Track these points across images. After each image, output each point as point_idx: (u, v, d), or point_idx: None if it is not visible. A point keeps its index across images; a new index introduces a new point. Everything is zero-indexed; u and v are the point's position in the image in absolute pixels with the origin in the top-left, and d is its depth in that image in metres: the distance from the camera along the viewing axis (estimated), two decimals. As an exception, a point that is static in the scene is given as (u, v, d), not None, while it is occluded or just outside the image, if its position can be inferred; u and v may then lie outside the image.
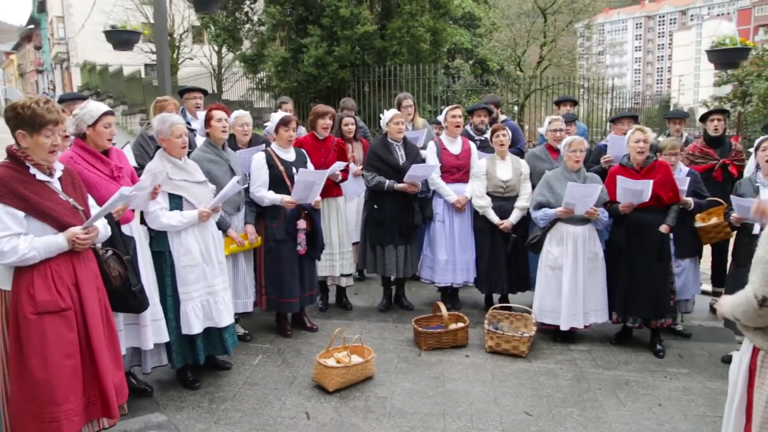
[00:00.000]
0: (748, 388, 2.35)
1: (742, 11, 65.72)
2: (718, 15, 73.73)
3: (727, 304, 2.33)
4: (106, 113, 3.57)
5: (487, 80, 18.93)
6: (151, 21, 21.82)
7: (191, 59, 23.80)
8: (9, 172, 2.90)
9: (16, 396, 2.94)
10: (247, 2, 17.09)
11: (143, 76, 26.88)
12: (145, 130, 5.02)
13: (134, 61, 23.08)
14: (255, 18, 17.28)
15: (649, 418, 3.84)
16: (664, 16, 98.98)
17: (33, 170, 2.95)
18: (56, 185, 3.05)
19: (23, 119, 2.90)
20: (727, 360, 4.63)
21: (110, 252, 3.36)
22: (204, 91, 6.16)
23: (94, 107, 3.57)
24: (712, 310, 5.89)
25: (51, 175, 3.03)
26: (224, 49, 22.22)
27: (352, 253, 5.76)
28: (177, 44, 23.14)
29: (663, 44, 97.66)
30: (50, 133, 2.93)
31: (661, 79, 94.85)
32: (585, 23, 27.67)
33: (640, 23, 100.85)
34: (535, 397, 4.11)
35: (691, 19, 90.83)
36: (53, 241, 2.92)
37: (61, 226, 2.96)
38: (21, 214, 2.86)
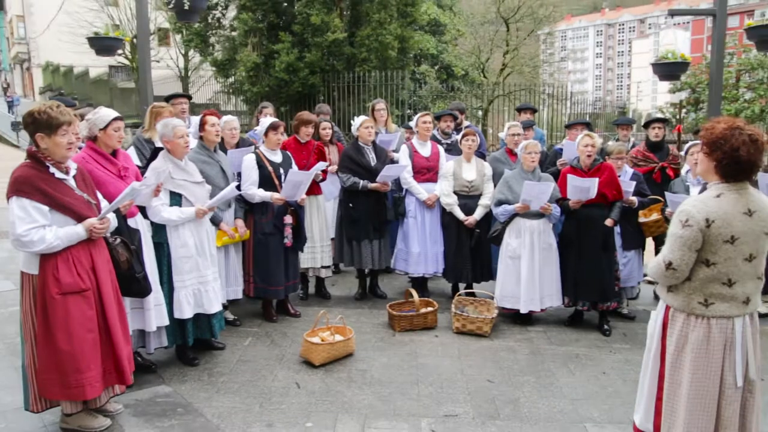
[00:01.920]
0: (662, 338, 2.95)
1: (696, 21, 68.15)
2: (675, 24, 75.99)
3: (649, 267, 2.95)
4: (116, 118, 4.02)
5: (452, 86, 19.58)
6: (116, 23, 21.97)
7: (157, 62, 23.90)
8: (32, 172, 3.34)
9: (44, 366, 3.38)
10: (219, 8, 17.43)
11: (108, 78, 26.92)
12: (141, 134, 5.43)
13: (99, 62, 23.13)
14: (226, 23, 17.64)
15: (594, 384, 4.46)
16: (623, 24, 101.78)
17: (52, 169, 3.39)
18: (71, 182, 3.48)
19: (40, 123, 3.34)
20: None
21: (119, 240, 3.80)
22: (189, 97, 6.57)
23: (106, 113, 4.01)
24: (656, 297, 6.56)
25: (67, 173, 3.46)
26: (191, 53, 22.46)
27: (330, 246, 6.27)
28: (144, 47, 23.12)
29: (623, 51, 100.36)
30: (65, 133, 3.37)
31: (621, 85, 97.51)
32: (547, 31, 28.67)
33: (601, 31, 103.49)
34: (496, 368, 4.69)
35: (649, 28, 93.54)
36: (73, 231, 3.37)
37: (79, 218, 3.41)
38: (46, 208, 3.31)
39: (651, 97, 75.05)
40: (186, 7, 7.78)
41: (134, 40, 17.40)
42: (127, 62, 22.52)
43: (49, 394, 3.45)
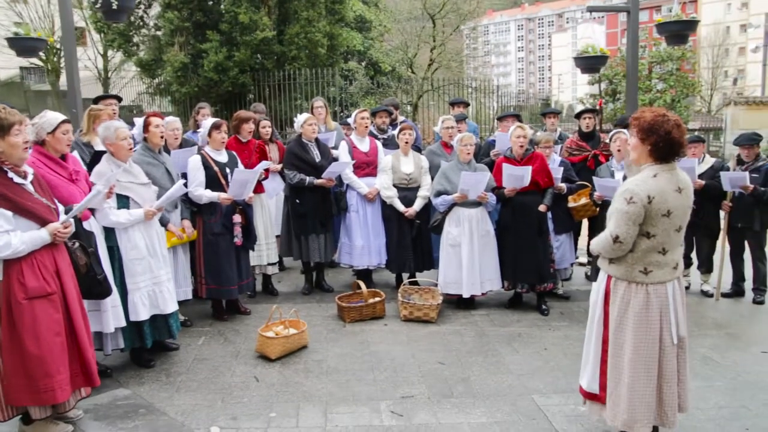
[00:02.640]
0: (604, 306, 3.27)
1: (610, 16, 71.12)
2: (592, 18, 78.92)
3: (593, 243, 3.28)
4: (64, 121, 3.98)
5: (379, 82, 19.80)
6: (26, 20, 20.97)
7: (75, 62, 22.89)
8: None
9: (10, 373, 3.36)
10: (142, 6, 16.97)
11: (21, 80, 25.66)
12: (79, 137, 5.34)
13: (9, 64, 21.99)
14: (150, 22, 17.21)
15: (537, 359, 4.77)
16: (542, 19, 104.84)
17: (11, 174, 3.36)
18: (30, 187, 3.46)
19: None
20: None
21: (77, 243, 3.79)
22: (119, 98, 6.46)
23: (53, 116, 3.96)
24: (587, 277, 6.98)
25: (25, 177, 3.45)
26: (110, 53, 21.75)
27: (275, 243, 6.35)
28: (59, 47, 22.23)
29: (543, 45, 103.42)
30: (18, 132, 3.35)
31: (543, 78, 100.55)
32: (471, 26, 29.38)
33: (522, 25, 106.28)
34: (445, 351, 4.93)
35: (567, 22, 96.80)
36: (38, 236, 3.37)
37: (42, 222, 3.41)
38: (9, 213, 3.29)
39: (572, 88, 77.82)
40: (114, 7, 7.62)
41: (55, 39, 16.63)
42: (41, 63, 21.50)
43: (16, 401, 3.42)
